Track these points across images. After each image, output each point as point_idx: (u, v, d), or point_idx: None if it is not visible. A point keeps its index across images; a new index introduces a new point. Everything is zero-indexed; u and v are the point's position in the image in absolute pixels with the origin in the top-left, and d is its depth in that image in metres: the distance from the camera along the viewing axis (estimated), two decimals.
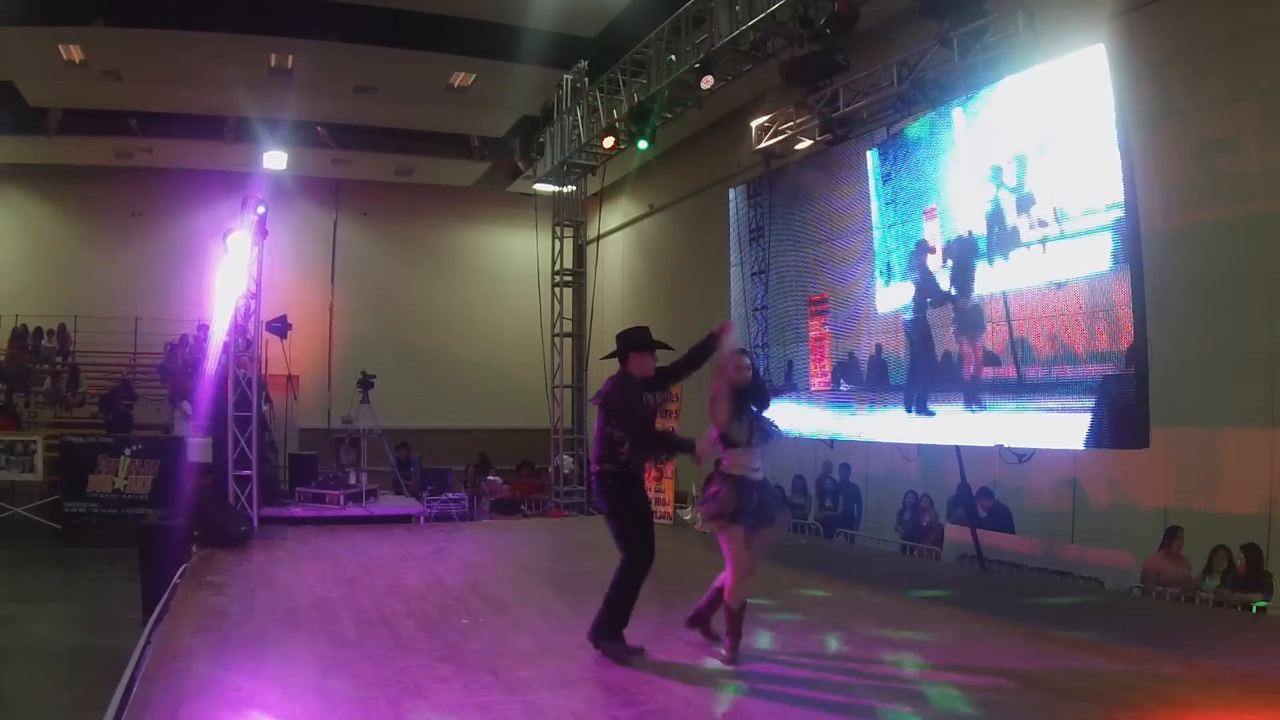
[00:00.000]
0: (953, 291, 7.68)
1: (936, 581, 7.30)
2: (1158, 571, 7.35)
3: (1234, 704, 4.18)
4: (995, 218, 7.27)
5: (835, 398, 9.35)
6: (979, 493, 9.12)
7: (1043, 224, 6.82)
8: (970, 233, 7.49)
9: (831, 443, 10.02)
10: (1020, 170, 7.04)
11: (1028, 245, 6.94)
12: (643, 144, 11.54)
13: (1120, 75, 6.34)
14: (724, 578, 4.81)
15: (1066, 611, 6.23)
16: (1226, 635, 5.53)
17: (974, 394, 7.41)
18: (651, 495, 11.16)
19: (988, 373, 7.34)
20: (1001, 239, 7.20)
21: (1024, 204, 6.98)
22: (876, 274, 8.72)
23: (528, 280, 15.06)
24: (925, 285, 7.98)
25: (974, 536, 8.16)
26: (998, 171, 7.24)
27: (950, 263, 7.75)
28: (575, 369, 15.14)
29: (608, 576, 4.92)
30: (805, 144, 10.09)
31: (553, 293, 14.75)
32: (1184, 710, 4.10)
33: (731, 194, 11.13)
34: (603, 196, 16.65)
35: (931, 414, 7.85)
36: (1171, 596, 6.95)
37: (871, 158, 8.79)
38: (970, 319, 7.45)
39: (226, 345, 10.31)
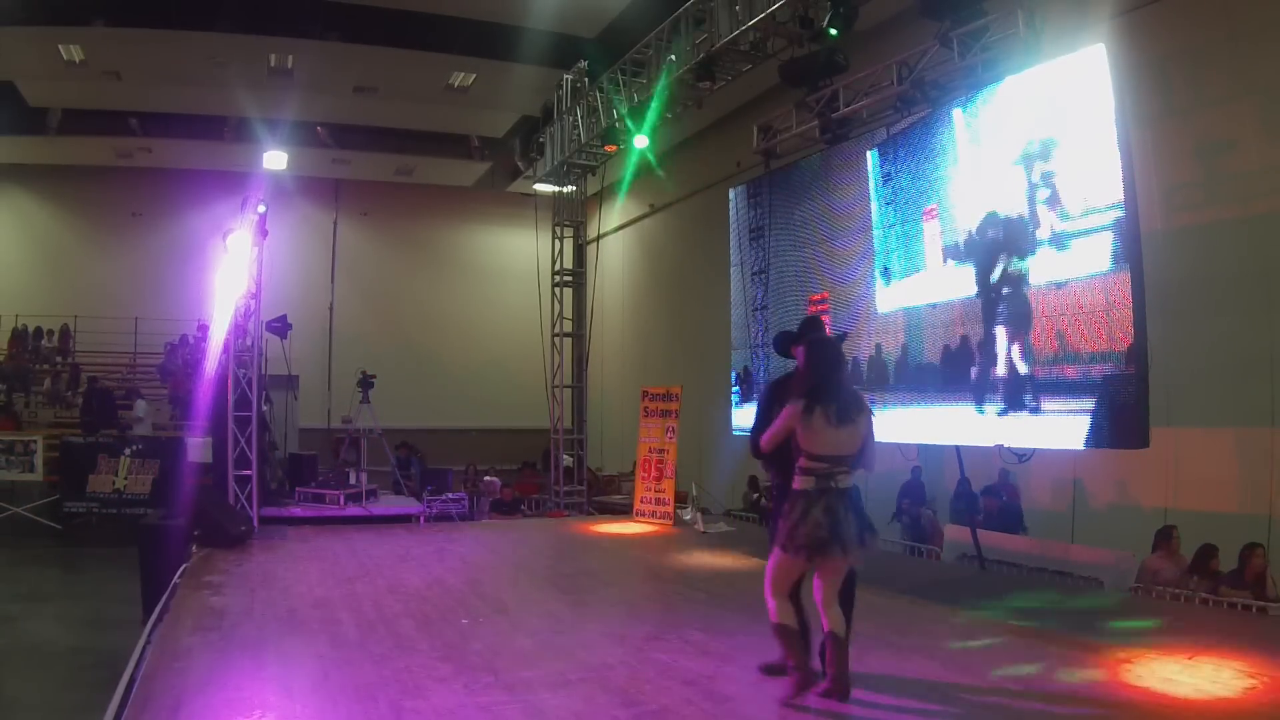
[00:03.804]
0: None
1: (938, 582, 7.30)
2: (1155, 571, 7.35)
3: (1234, 704, 4.18)
4: (994, 218, 7.26)
5: None
6: (983, 491, 9.13)
7: (1043, 224, 6.81)
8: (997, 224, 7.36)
9: None
10: (1020, 170, 7.03)
11: (1027, 245, 6.94)
12: (642, 142, 11.52)
13: (1120, 75, 6.33)
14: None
15: (1067, 611, 6.22)
16: (1227, 635, 5.52)
17: (993, 393, 7.37)
18: (651, 495, 11.18)
19: (989, 371, 7.33)
20: (1000, 238, 7.20)
21: (1023, 204, 6.98)
22: (876, 274, 8.72)
23: (528, 280, 15.06)
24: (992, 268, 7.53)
25: (974, 536, 8.15)
26: (997, 171, 7.23)
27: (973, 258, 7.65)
28: (575, 369, 15.15)
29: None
30: (805, 144, 10.09)
31: (553, 293, 14.75)
32: (1184, 710, 4.10)
33: (731, 194, 11.13)
34: (603, 196, 16.66)
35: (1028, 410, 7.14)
36: (1171, 596, 6.95)
37: (871, 158, 8.78)
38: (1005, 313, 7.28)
39: (226, 345, 10.31)
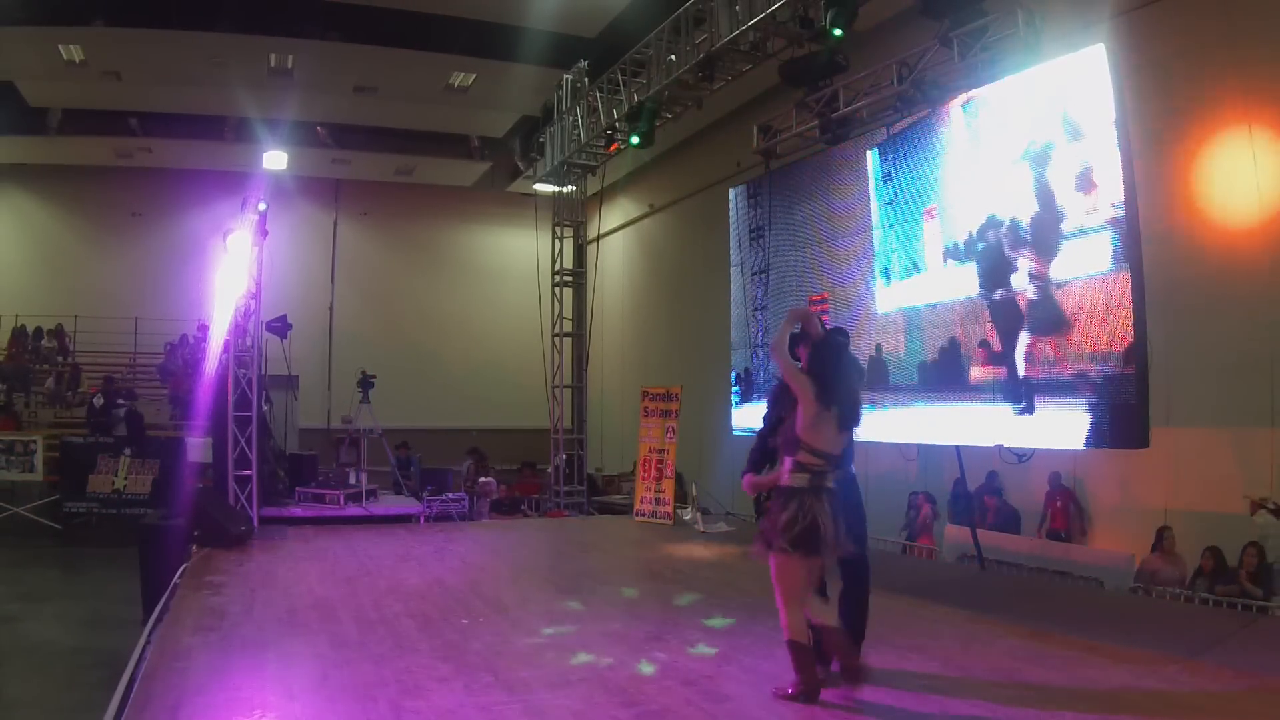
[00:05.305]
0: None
1: (938, 582, 7.30)
2: (1153, 571, 7.35)
3: (1234, 704, 4.18)
4: (995, 218, 7.26)
5: None
6: (982, 488, 9.11)
7: (1043, 224, 6.81)
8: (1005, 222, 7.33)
9: None
10: (1020, 170, 7.03)
11: (1027, 245, 6.94)
12: (634, 139, 11.42)
13: (1120, 75, 6.34)
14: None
15: (1066, 611, 6.22)
16: (1226, 635, 5.53)
17: (994, 393, 7.37)
18: (651, 495, 11.18)
19: (989, 371, 7.33)
20: (1000, 238, 7.20)
21: (1023, 204, 6.98)
22: (876, 274, 8.72)
23: (528, 280, 15.06)
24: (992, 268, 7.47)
25: (974, 536, 8.16)
26: (997, 171, 7.23)
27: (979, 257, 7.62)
28: (575, 369, 15.15)
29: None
30: (805, 144, 10.09)
31: (553, 293, 14.75)
32: (1184, 710, 4.10)
33: (731, 194, 11.13)
34: (603, 196, 16.66)
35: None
36: (1171, 596, 6.95)
37: (871, 158, 8.79)
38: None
39: (226, 345, 10.31)
